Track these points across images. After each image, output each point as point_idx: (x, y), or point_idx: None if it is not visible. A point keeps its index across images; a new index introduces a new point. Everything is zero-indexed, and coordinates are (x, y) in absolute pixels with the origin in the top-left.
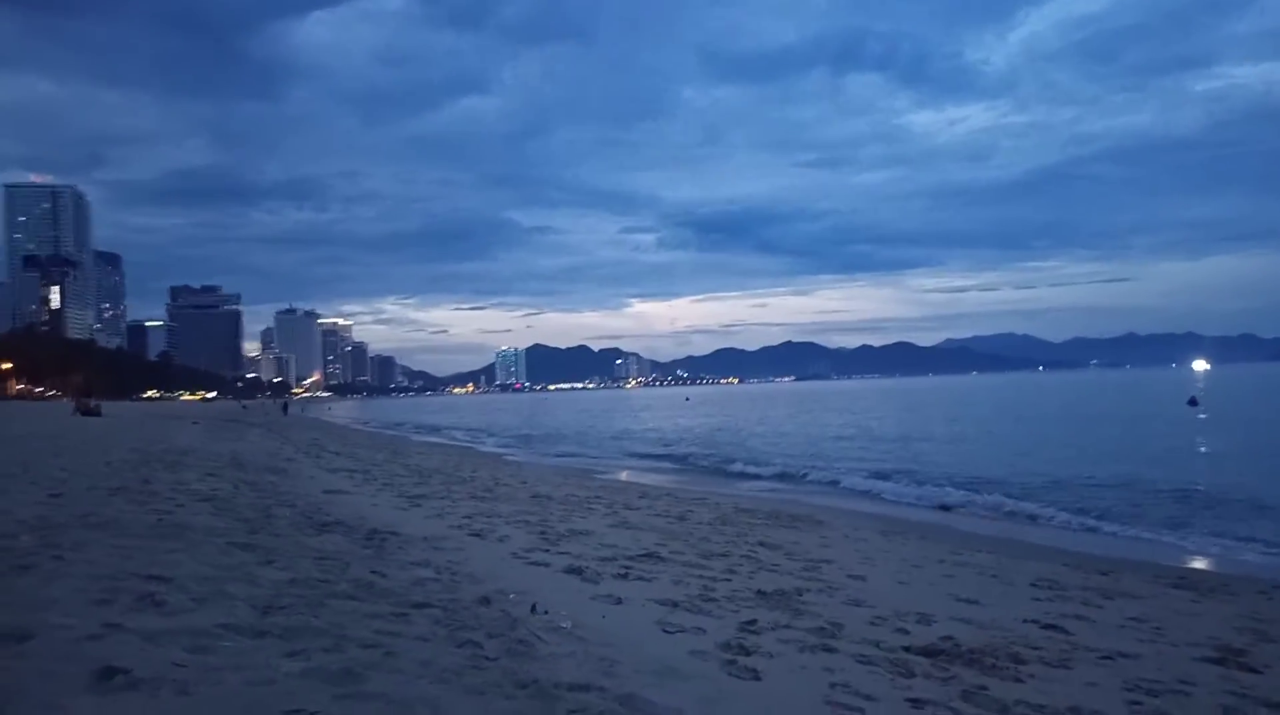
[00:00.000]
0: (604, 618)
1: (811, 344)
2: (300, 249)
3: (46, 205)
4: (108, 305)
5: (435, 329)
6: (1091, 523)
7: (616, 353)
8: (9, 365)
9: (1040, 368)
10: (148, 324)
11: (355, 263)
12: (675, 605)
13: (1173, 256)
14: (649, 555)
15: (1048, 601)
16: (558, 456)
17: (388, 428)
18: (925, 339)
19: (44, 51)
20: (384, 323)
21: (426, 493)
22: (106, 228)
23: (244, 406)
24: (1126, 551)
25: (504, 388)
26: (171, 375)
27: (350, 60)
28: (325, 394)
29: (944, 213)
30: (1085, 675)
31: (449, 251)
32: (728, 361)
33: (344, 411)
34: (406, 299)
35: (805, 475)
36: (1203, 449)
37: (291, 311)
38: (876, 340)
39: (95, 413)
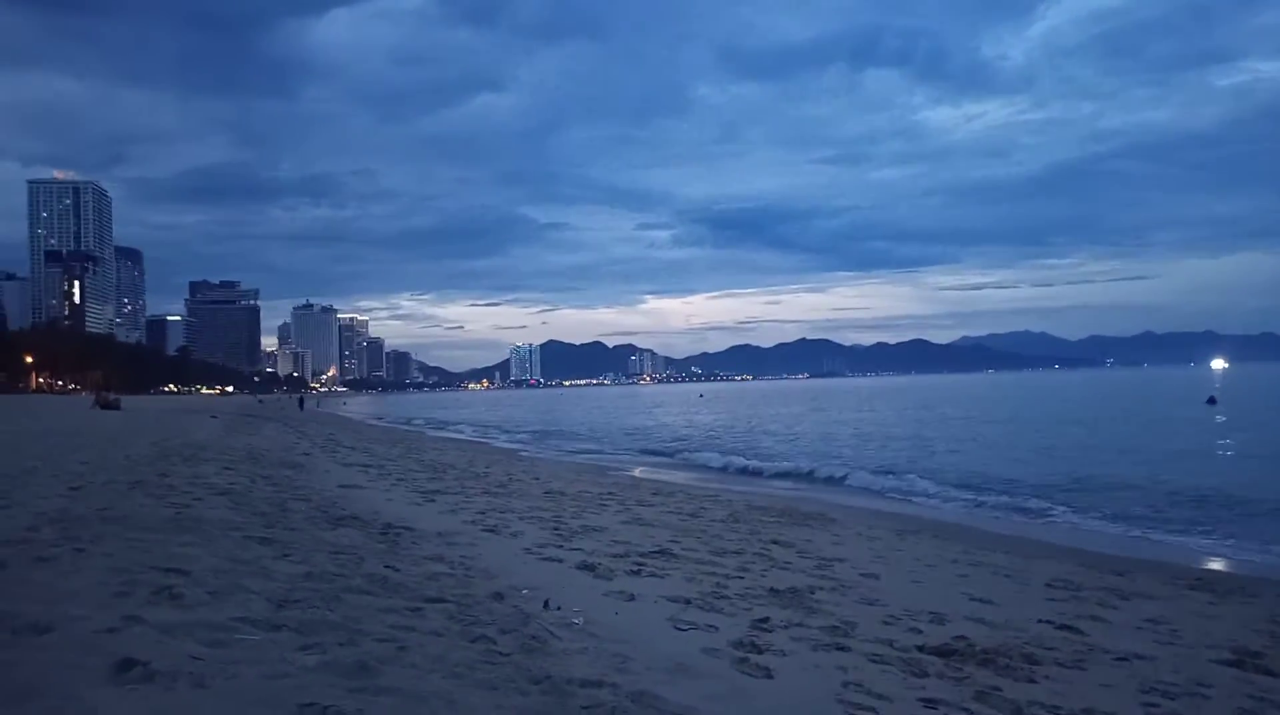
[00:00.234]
0: (616, 614)
1: (827, 341)
2: (317, 245)
3: (68, 201)
4: (127, 300)
5: (451, 325)
6: (1108, 523)
7: (631, 349)
8: (31, 359)
9: (1056, 366)
10: (167, 319)
11: (372, 259)
12: (688, 602)
13: (1193, 254)
14: (661, 552)
15: (1063, 602)
16: (571, 452)
17: (402, 423)
18: (941, 337)
19: (67, 51)
20: (400, 318)
21: (440, 488)
22: (127, 224)
23: (260, 401)
24: (1143, 552)
25: (519, 384)
26: (190, 370)
27: (367, 58)
28: (341, 389)
29: (961, 209)
30: (1100, 677)
31: (465, 248)
32: (742, 358)
33: (359, 406)
34: (422, 295)
35: (818, 473)
36: (1221, 450)
37: (309, 307)
38: (892, 338)
39: (114, 407)
